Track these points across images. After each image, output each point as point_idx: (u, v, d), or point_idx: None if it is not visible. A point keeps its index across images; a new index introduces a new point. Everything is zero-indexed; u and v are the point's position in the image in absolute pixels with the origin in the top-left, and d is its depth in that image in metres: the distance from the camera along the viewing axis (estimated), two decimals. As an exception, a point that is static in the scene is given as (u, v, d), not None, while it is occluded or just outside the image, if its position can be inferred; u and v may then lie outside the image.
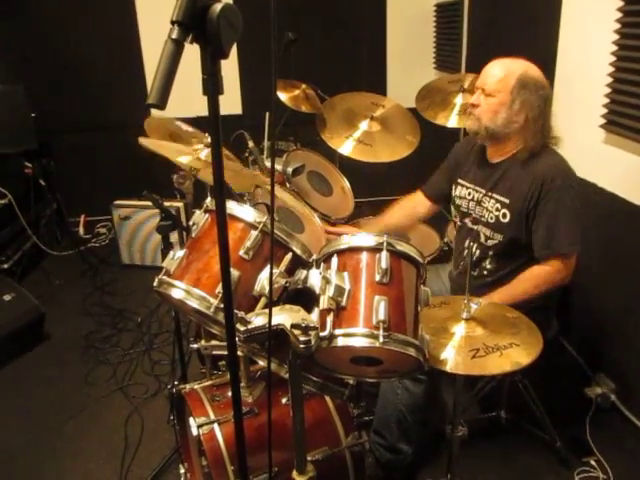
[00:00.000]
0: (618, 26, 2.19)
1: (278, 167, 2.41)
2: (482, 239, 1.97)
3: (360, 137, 2.64)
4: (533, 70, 1.86)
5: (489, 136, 1.92)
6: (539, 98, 1.83)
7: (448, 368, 1.38)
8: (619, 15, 2.17)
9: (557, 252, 1.82)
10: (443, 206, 2.34)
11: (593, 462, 2.10)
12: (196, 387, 1.76)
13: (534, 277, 1.85)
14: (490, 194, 1.96)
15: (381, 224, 2.34)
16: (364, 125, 2.69)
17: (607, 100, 2.30)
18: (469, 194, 2.05)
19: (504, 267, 1.95)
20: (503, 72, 1.85)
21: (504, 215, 1.90)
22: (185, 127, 2.08)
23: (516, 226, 1.88)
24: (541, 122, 1.84)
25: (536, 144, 1.86)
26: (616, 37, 2.21)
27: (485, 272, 1.99)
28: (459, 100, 2.73)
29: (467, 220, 2.05)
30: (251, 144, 2.33)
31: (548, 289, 1.86)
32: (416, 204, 2.31)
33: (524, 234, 1.88)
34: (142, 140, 1.84)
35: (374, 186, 4.03)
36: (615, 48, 2.22)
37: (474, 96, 1.93)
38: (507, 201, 1.90)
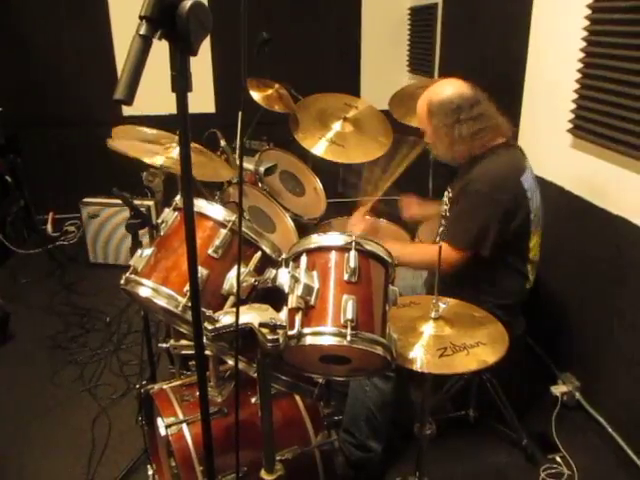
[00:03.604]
0: (585, 34, 2.24)
1: (250, 166, 2.41)
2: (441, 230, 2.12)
3: (333, 138, 2.65)
4: (436, 92, 1.98)
5: (444, 160, 2.09)
6: (447, 115, 1.94)
7: (416, 367, 1.39)
8: (586, 23, 2.22)
9: (448, 239, 1.93)
10: None
11: (558, 459, 2.15)
12: (165, 387, 1.74)
13: (422, 250, 2.06)
14: (447, 191, 2.13)
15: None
16: (337, 126, 2.69)
17: (574, 105, 2.35)
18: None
19: None
20: (420, 110, 2.04)
21: (446, 211, 2.09)
22: (150, 131, 2.04)
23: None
24: (458, 129, 1.93)
25: (478, 147, 1.96)
26: (583, 44, 2.26)
27: None
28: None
29: None
30: (223, 143, 2.32)
31: (425, 267, 2.08)
32: None
33: None
34: (111, 143, 1.81)
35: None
36: (582, 55, 2.27)
37: None
38: (451, 195, 2.08)
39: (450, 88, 1.97)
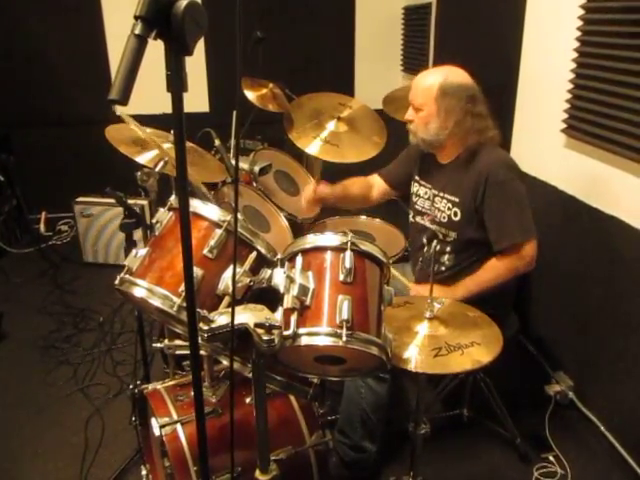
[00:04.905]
0: (579, 34, 2.24)
1: (245, 166, 2.40)
2: (440, 237, 2.06)
3: (327, 137, 2.64)
4: (453, 75, 1.94)
5: (428, 145, 2.03)
6: (462, 100, 1.92)
7: (411, 367, 1.39)
8: (580, 23, 2.23)
9: (511, 242, 1.90)
10: (398, 194, 2.46)
11: (552, 458, 2.16)
12: (159, 387, 1.73)
13: (495, 268, 1.94)
14: (442, 194, 2.05)
15: (337, 189, 2.40)
16: (331, 125, 2.69)
17: (568, 105, 2.35)
18: (425, 193, 2.14)
19: (461, 262, 2.03)
20: (425, 85, 1.95)
21: (455, 213, 1.99)
22: (142, 130, 2.02)
23: (467, 223, 1.97)
24: (469, 122, 1.94)
25: (473, 142, 1.96)
26: (577, 44, 2.27)
27: (443, 268, 2.07)
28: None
29: (424, 219, 2.13)
30: (217, 142, 2.31)
31: (511, 277, 1.97)
32: (372, 185, 2.43)
33: (475, 230, 1.97)
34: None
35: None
36: (576, 55, 2.28)
37: (408, 112, 2.03)
38: (457, 200, 1.99)
39: (466, 76, 1.95)
